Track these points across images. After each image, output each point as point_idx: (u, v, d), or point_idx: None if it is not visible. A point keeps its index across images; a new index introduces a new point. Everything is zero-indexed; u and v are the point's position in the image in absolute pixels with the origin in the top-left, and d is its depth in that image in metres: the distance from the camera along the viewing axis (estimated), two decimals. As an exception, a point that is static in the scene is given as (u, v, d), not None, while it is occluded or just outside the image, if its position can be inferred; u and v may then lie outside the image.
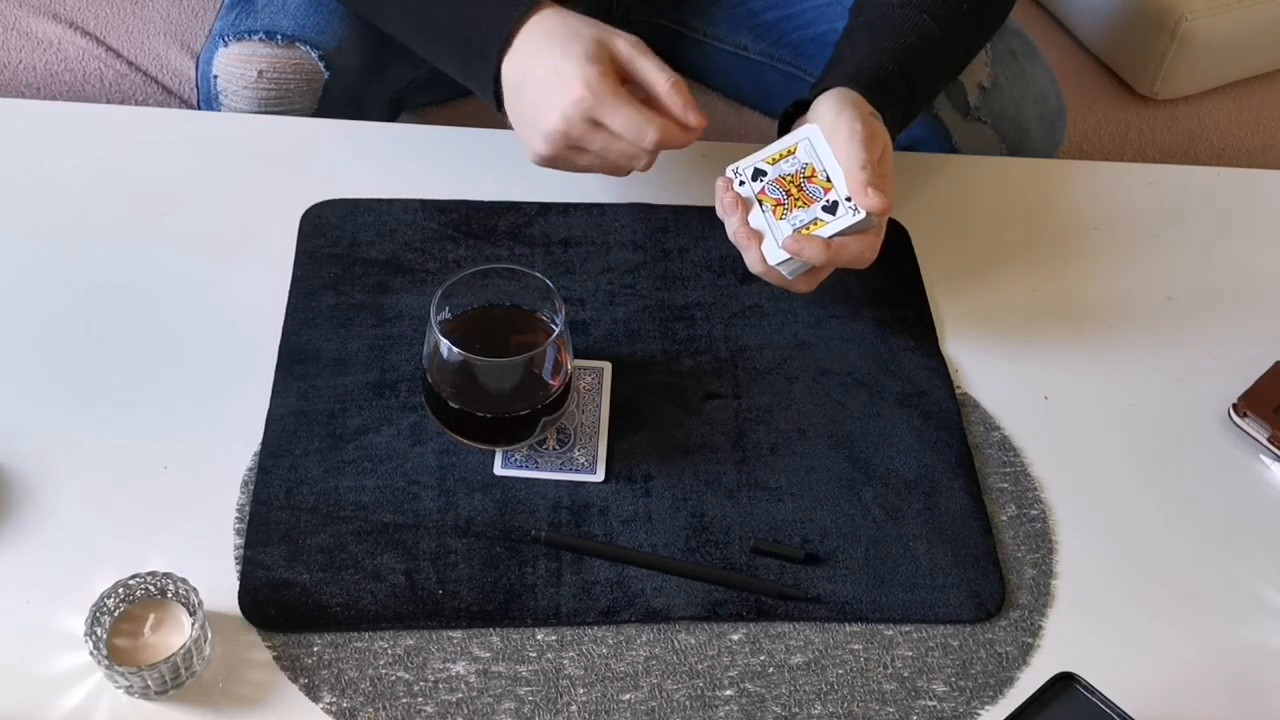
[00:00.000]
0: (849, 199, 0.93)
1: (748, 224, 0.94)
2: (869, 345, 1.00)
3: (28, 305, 0.96)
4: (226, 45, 1.13)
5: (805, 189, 0.95)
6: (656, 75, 0.94)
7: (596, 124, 0.92)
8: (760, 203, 0.95)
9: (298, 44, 1.13)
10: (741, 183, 0.96)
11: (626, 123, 0.91)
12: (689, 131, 0.93)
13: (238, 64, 1.13)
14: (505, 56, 0.95)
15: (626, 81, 0.95)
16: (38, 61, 1.37)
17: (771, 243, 0.94)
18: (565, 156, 0.95)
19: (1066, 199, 1.14)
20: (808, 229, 0.93)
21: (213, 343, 0.95)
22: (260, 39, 1.13)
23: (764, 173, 0.96)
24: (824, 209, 0.93)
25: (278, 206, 1.04)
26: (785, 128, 1.02)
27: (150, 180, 1.06)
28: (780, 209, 0.94)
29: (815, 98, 0.98)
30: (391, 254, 1.02)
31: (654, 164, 0.94)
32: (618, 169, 0.95)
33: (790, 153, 0.96)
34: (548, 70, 0.93)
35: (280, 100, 1.14)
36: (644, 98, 0.94)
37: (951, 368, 1.00)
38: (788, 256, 0.93)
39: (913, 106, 1.04)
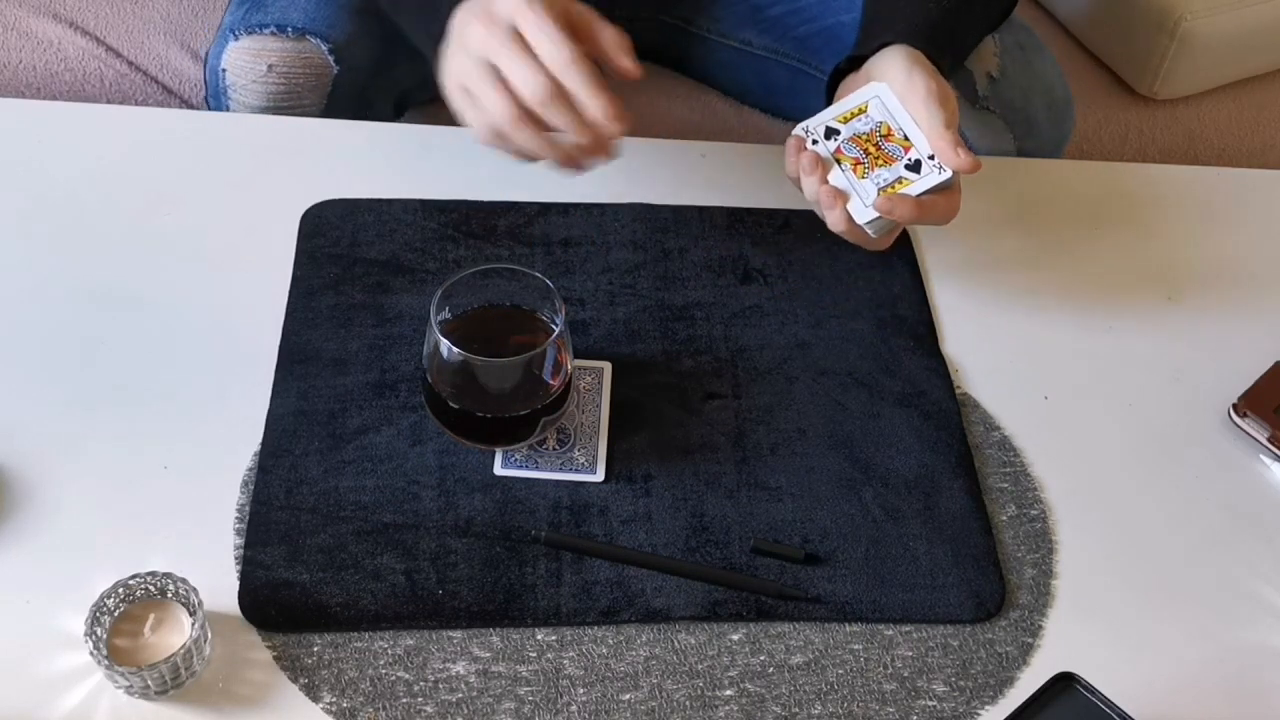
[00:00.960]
0: (931, 157, 0.93)
1: (829, 183, 0.93)
2: (869, 345, 1.00)
3: (28, 305, 0.96)
4: (236, 39, 1.13)
5: (883, 147, 0.94)
6: (603, 27, 0.88)
7: (518, 37, 0.85)
8: (839, 161, 0.94)
9: (308, 37, 1.13)
10: (815, 141, 0.95)
11: (542, 31, 0.84)
12: (625, 69, 0.87)
13: (247, 58, 1.13)
14: (458, 8, 0.89)
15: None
16: (38, 61, 1.36)
17: (858, 202, 0.93)
18: (470, 79, 0.87)
19: (1067, 199, 1.14)
20: (892, 187, 0.93)
21: (213, 343, 0.95)
22: (271, 32, 1.13)
23: (837, 131, 0.95)
24: (907, 167, 0.93)
25: (278, 206, 1.04)
26: (833, 87, 1.01)
27: (150, 180, 1.06)
28: (860, 168, 0.94)
29: (871, 54, 0.97)
30: (391, 254, 1.02)
31: (605, 154, 0.87)
32: (512, 108, 0.86)
33: (862, 111, 0.96)
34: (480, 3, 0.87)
35: (289, 95, 1.13)
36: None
37: (951, 368, 1.00)
38: (876, 215, 0.92)
39: (959, 60, 1.04)
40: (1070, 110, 1.25)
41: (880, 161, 0.94)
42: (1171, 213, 1.14)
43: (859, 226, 0.93)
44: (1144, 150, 1.57)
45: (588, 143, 0.87)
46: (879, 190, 0.93)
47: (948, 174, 0.93)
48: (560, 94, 0.85)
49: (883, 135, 0.95)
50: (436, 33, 0.90)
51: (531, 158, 0.89)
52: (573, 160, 0.89)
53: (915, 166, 0.93)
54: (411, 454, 0.90)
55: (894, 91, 0.95)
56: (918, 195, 0.92)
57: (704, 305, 1.02)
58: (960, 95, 1.17)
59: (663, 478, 0.91)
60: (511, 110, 0.85)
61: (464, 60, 0.87)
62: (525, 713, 0.79)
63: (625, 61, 0.88)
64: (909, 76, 0.94)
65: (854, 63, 0.99)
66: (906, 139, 0.94)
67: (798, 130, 0.96)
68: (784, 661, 0.83)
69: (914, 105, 0.94)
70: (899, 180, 0.93)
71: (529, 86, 0.84)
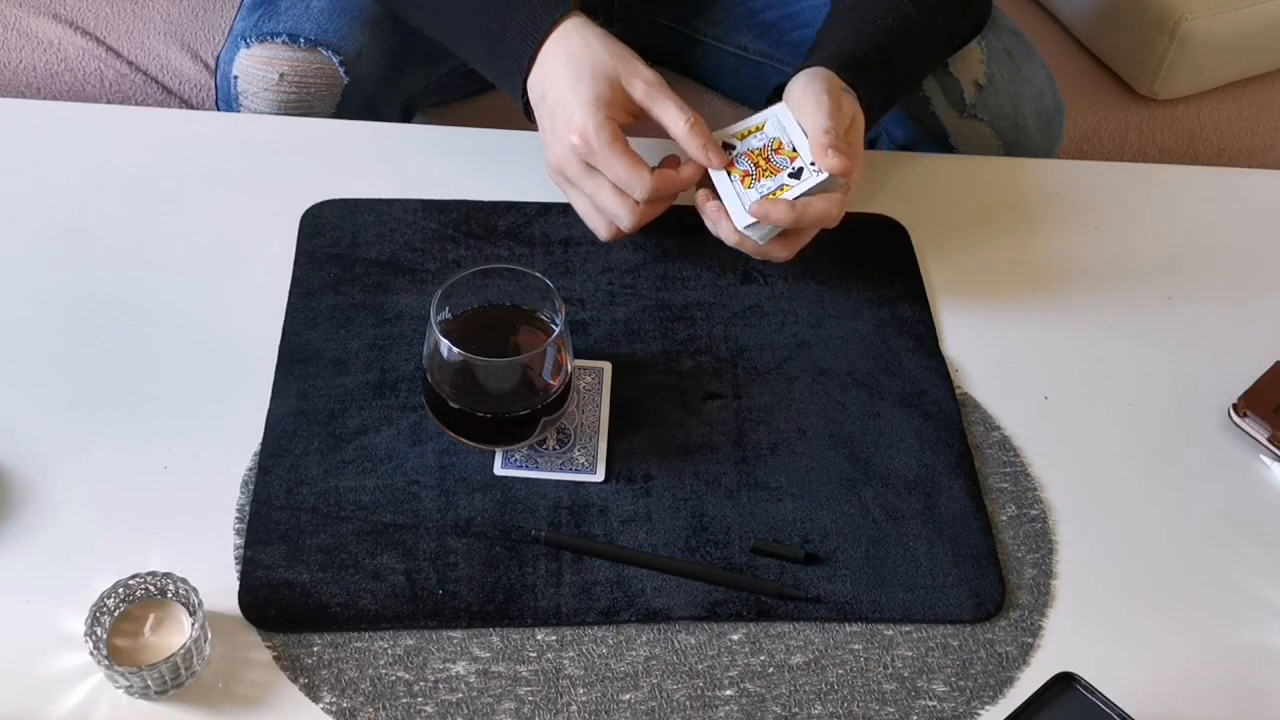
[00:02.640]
0: (813, 163, 0.95)
1: (715, 198, 0.97)
2: (869, 345, 1.00)
3: (28, 305, 0.96)
4: (248, 46, 1.13)
5: (772, 160, 0.97)
6: (675, 117, 0.96)
7: (591, 168, 0.95)
8: (728, 174, 0.96)
9: (320, 48, 1.13)
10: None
11: (618, 173, 0.94)
12: (688, 178, 0.97)
13: (259, 66, 1.13)
14: (531, 69, 0.98)
15: (643, 118, 0.97)
16: (38, 61, 1.37)
17: (739, 210, 0.95)
18: (562, 186, 0.99)
19: (1066, 199, 1.14)
20: (774, 195, 0.95)
21: (213, 343, 0.95)
22: (283, 42, 1.13)
23: (732, 147, 0.98)
24: (790, 175, 0.95)
25: (278, 206, 1.04)
26: None
27: (150, 180, 1.06)
28: (748, 179, 0.96)
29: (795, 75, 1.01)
30: (391, 254, 1.02)
31: (640, 226, 0.96)
32: (604, 221, 0.98)
33: (759, 129, 0.99)
34: (556, 98, 0.96)
35: (300, 103, 1.14)
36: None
37: (951, 368, 1.00)
38: (754, 221, 0.94)
39: (895, 87, 1.06)
40: (1060, 118, 1.25)
41: (767, 173, 0.96)
42: (1171, 213, 1.14)
43: (745, 235, 0.96)
44: (1144, 150, 1.57)
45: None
46: (761, 198, 0.95)
47: (824, 175, 0.94)
48: (641, 211, 0.95)
49: (774, 149, 0.97)
50: (518, 89, 0.99)
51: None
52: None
53: (797, 174, 0.95)
54: (411, 454, 0.90)
55: (789, 107, 0.98)
56: (794, 198, 0.94)
57: (704, 305, 1.02)
58: (948, 104, 1.18)
59: (663, 478, 0.91)
60: (611, 231, 0.98)
61: (554, 165, 0.98)
62: (525, 713, 0.79)
63: (714, 159, 0.96)
64: (804, 90, 0.97)
65: (780, 92, 1.02)
66: (794, 150, 0.96)
67: None
68: (784, 661, 0.83)
69: (803, 115, 0.96)
70: (781, 187, 0.95)
71: (620, 221, 0.96)
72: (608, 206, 0.96)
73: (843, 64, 1.00)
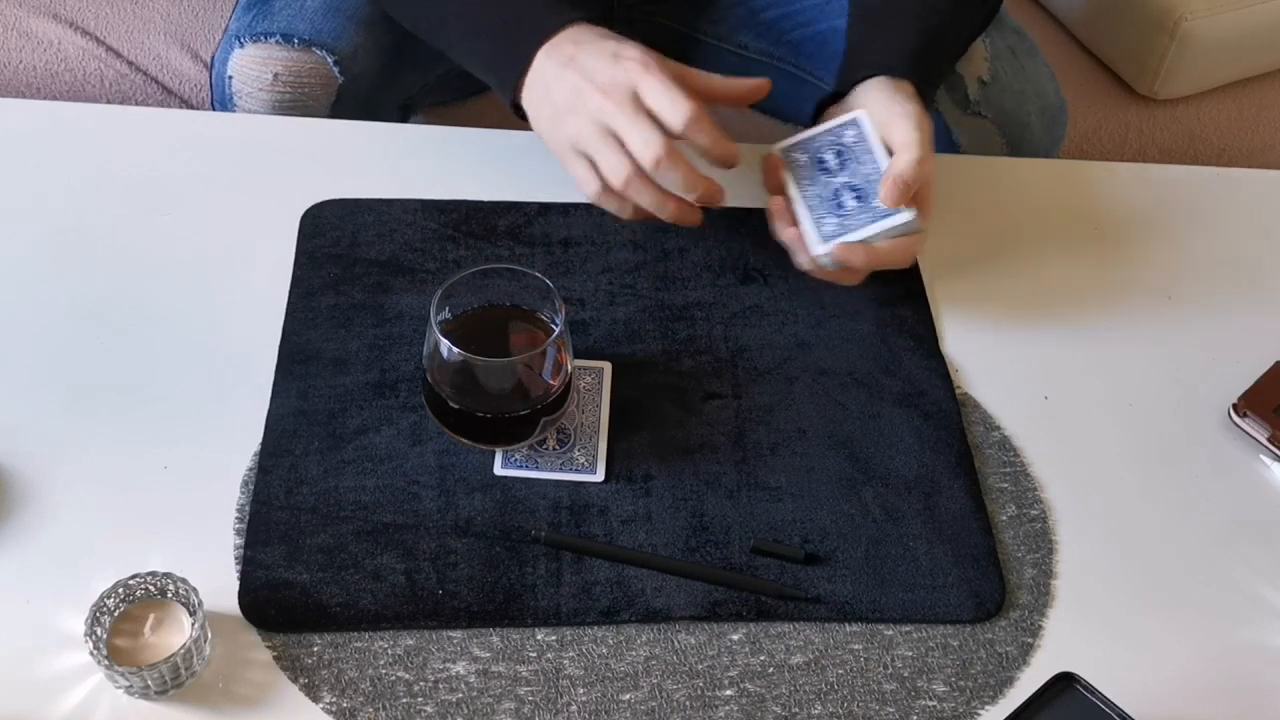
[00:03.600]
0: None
1: (791, 224, 0.97)
2: (869, 345, 1.00)
3: (28, 305, 0.96)
4: (242, 46, 1.13)
5: (852, 183, 0.96)
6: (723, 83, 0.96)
7: (636, 105, 0.91)
8: (803, 195, 0.97)
9: (314, 48, 1.13)
10: (791, 164, 0.98)
11: (663, 94, 0.90)
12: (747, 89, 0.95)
13: (253, 66, 1.13)
14: (546, 45, 0.94)
15: None
16: (38, 61, 1.37)
17: (814, 237, 0.96)
18: (591, 145, 0.93)
19: (1066, 199, 1.14)
20: (852, 230, 0.95)
21: (213, 343, 0.95)
22: (277, 41, 1.13)
23: (806, 157, 0.98)
24: (870, 206, 0.95)
25: (278, 206, 1.04)
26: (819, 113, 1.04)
27: (150, 180, 1.06)
28: (821, 200, 0.97)
29: (858, 81, 1.00)
30: (391, 254, 1.02)
31: (659, 204, 0.93)
32: (631, 168, 0.92)
33: (838, 140, 0.98)
34: (595, 48, 0.93)
35: (295, 103, 1.14)
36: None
37: (951, 368, 1.00)
38: (829, 251, 0.95)
39: (946, 75, 1.06)
40: (1063, 116, 1.25)
41: (845, 196, 0.96)
42: (1171, 212, 1.14)
43: (818, 260, 0.96)
44: (1144, 150, 1.57)
45: (695, 198, 0.93)
46: (839, 228, 0.95)
47: (909, 218, 0.94)
48: (673, 157, 0.90)
49: (846, 162, 0.97)
50: (511, 79, 0.96)
51: (645, 217, 0.95)
52: (685, 215, 0.95)
53: (876, 207, 0.95)
54: (411, 454, 0.90)
55: (871, 123, 0.97)
56: (875, 236, 0.95)
57: (704, 305, 1.02)
58: (951, 101, 1.18)
59: (663, 478, 0.91)
60: (629, 170, 0.91)
61: (582, 124, 0.92)
62: (525, 713, 0.79)
63: (754, 91, 0.96)
64: (888, 110, 0.96)
65: (837, 96, 1.01)
66: (875, 173, 0.96)
67: (775, 149, 0.98)
68: (784, 661, 0.83)
69: (888, 135, 0.96)
70: (857, 214, 0.95)
71: (647, 149, 0.90)
72: (640, 144, 0.90)
73: (911, 70, 0.99)
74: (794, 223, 0.97)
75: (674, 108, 0.90)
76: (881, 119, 0.97)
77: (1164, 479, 0.95)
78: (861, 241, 0.95)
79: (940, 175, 1.14)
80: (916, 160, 0.94)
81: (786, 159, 0.99)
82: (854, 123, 0.98)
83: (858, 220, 0.95)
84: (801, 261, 0.97)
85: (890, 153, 0.96)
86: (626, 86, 0.91)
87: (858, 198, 0.96)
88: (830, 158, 0.97)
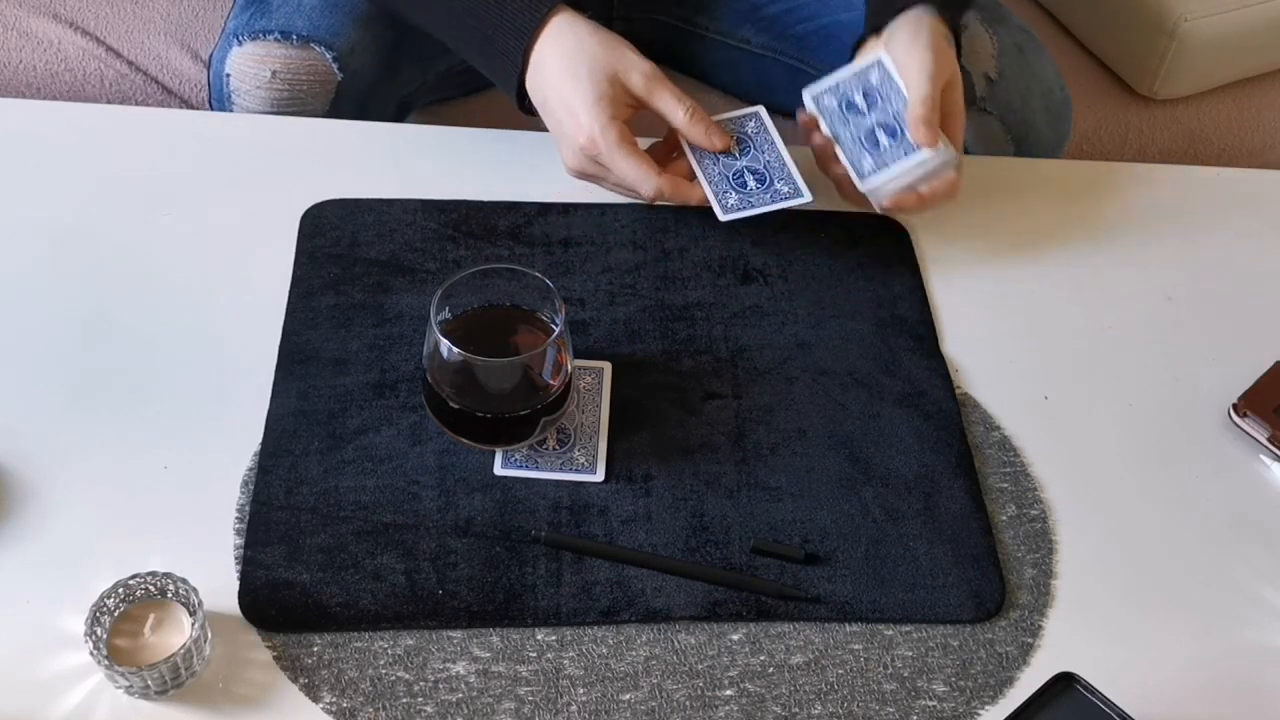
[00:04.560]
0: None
1: (837, 162, 1.01)
2: (869, 345, 1.00)
3: (28, 305, 0.96)
4: (240, 44, 1.13)
5: (883, 121, 1.01)
6: (674, 108, 0.99)
7: (604, 166, 0.98)
8: (838, 137, 1.02)
9: (312, 45, 1.13)
10: (818, 109, 1.03)
11: (625, 175, 0.97)
12: (694, 185, 1.00)
13: (251, 64, 1.13)
14: (525, 70, 0.99)
15: (644, 107, 0.99)
16: (38, 61, 1.37)
17: (855, 176, 1.01)
18: (586, 180, 1.02)
19: (1066, 199, 1.14)
20: (887, 166, 1.00)
21: (213, 343, 0.95)
22: (275, 39, 1.13)
23: (835, 99, 1.02)
24: (904, 142, 1.00)
25: (278, 206, 1.04)
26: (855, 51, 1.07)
27: (150, 180, 1.06)
28: (853, 140, 1.01)
29: (884, 23, 1.03)
30: (391, 254, 1.02)
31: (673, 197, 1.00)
32: (631, 195, 1.02)
33: (865, 81, 1.02)
34: (559, 102, 0.98)
35: (293, 101, 1.14)
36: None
37: (951, 368, 1.00)
38: (875, 187, 1.00)
39: (969, 5, 1.09)
40: (1069, 113, 1.25)
41: (877, 136, 1.01)
42: (1171, 213, 1.14)
43: (863, 196, 1.02)
44: (1144, 150, 1.57)
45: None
46: (876, 166, 1.00)
47: (948, 155, 0.98)
48: (669, 192, 0.99)
49: (874, 102, 1.01)
50: (512, 87, 1.01)
51: None
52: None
53: (909, 142, 0.99)
54: (411, 454, 0.90)
55: (893, 62, 1.01)
56: (911, 170, 0.99)
57: (704, 305, 1.02)
58: None
59: (663, 478, 0.91)
60: (630, 197, 1.02)
61: (570, 167, 1.01)
62: (525, 713, 0.79)
63: (717, 142, 1.00)
64: (909, 49, 0.99)
65: (876, 28, 1.04)
66: (900, 112, 1.00)
67: (806, 99, 1.04)
68: (784, 661, 0.83)
69: (905, 75, 0.99)
70: (893, 150, 1.00)
71: (640, 190, 0.99)
72: (631, 193, 1.01)
73: (944, 4, 1.02)
74: (837, 160, 1.02)
75: (639, 190, 0.98)
76: (901, 62, 1.00)
77: (1164, 479, 0.95)
78: (901, 183, 1.00)
79: (940, 175, 1.14)
80: (927, 103, 0.97)
81: (819, 103, 1.03)
82: (877, 64, 1.02)
83: (892, 156, 1.00)
84: (851, 197, 1.02)
85: None
86: (591, 159, 0.98)
87: (890, 135, 1.00)
88: (859, 99, 1.02)
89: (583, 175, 1.01)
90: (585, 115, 0.96)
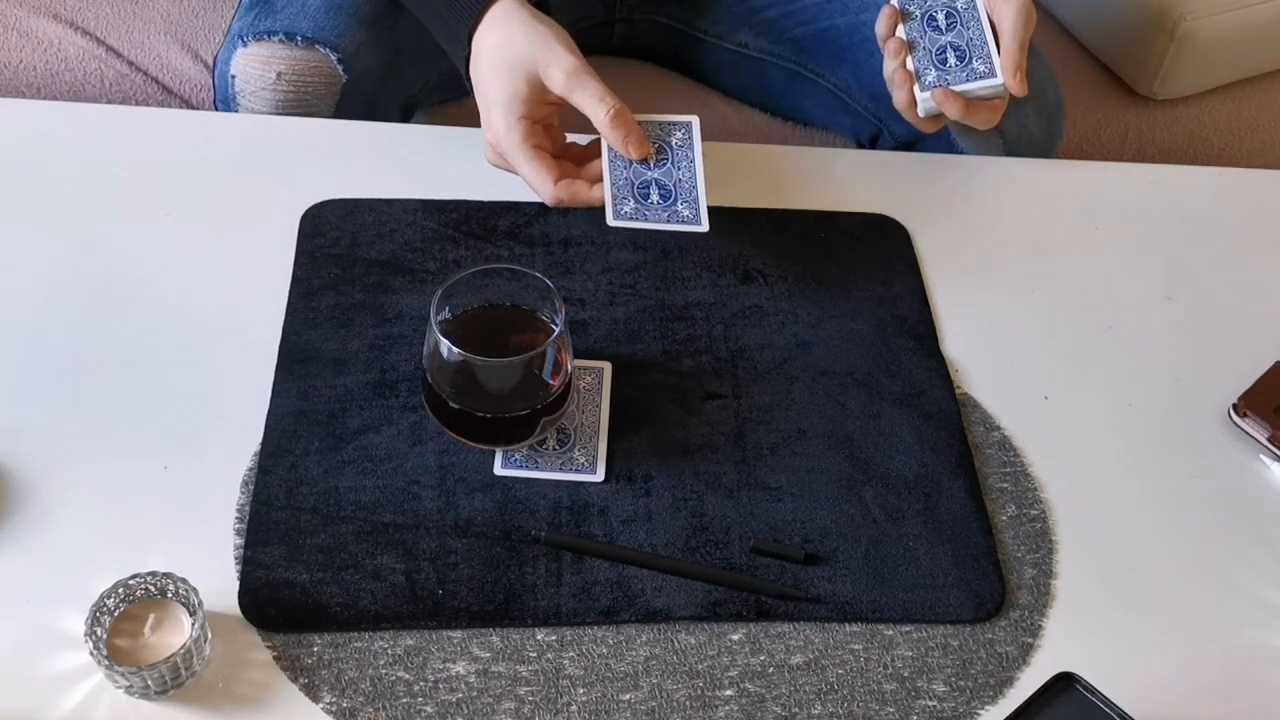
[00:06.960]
0: (992, 66, 1.04)
1: (905, 67, 1.06)
2: (869, 345, 1.00)
3: (27, 305, 0.96)
4: (245, 45, 1.13)
5: (956, 43, 1.06)
6: (595, 108, 0.96)
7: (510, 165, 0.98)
8: (914, 48, 1.06)
9: (317, 46, 1.13)
10: (907, 17, 1.07)
11: (525, 177, 0.97)
12: (595, 188, 0.97)
13: (256, 65, 1.13)
14: (470, 57, 1.00)
15: (566, 105, 0.98)
16: (38, 61, 1.37)
17: (916, 84, 1.06)
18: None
19: (1066, 199, 1.14)
20: (950, 85, 1.05)
21: (213, 343, 0.95)
22: (280, 40, 1.12)
23: (920, 12, 1.07)
24: (969, 66, 1.05)
25: (278, 206, 1.04)
26: None
27: (150, 180, 1.06)
28: (928, 55, 1.06)
29: None
30: (391, 254, 1.02)
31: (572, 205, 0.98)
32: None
33: (952, 4, 1.07)
34: (480, 95, 0.99)
35: (298, 103, 1.14)
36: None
37: (951, 368, 1.00)
38: (929, 96, 1.05)
39: None
40: (1061, 114, 1.25)
41: (951, 55, 1.06)
42: (1171, 213, 1.14)
43: (913, 108, 1.06)
44: (1144, 150, 1.57)
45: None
46: (941, 81, 1.05)
47: (999, 84, 1.04)
48: (569, 199, 0.97)
49: (960, 28, 1.06)
50: (458, 53, 1.02)
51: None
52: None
53: (975, 69, 1.05)
54: (411, 454, 0.90)
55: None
56: (968, 91, 1.04)
57: (704, 305, 1.02)
58: None
59: (663, 478, 0.91)
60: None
61: (487, 157, 1.01)
62: (525, 713, 0.79)
63: (633, 151, 0.98)
64: None
65: None
66: (980, 39, 1.05)
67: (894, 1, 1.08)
68: (784, 661, 0.83)
69: (1001, 17, 1.04)
70: (960, 72, 1.05)
71: (544, 197, 0.97)
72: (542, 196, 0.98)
73: None
74: (905, 63, 1.06)
75: (538, 194, 0.97)
76: (993, 3, 1.05)
77: (1164, 479, 0.95)
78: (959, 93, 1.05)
79: (940, 175, 1.15)
80: (1025, 51, 1.03)
81: (903, 9, 1.07)
82: None
83: (956, 77, 1.05)
84: (899, 99, 1.06)
85: (993, 26, 1.05)
86: (501, 154, 0.98)
87: (959, 57, 1.04)
88: (941, 17, 1.06)
89: (498, 167, 1.01)
90: (495, 112, 0.97)
